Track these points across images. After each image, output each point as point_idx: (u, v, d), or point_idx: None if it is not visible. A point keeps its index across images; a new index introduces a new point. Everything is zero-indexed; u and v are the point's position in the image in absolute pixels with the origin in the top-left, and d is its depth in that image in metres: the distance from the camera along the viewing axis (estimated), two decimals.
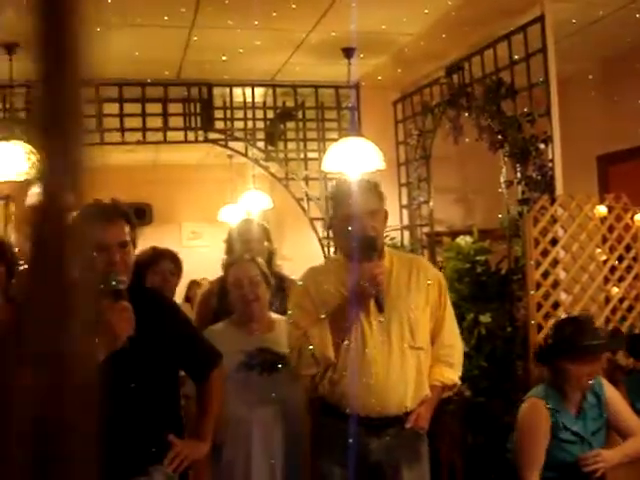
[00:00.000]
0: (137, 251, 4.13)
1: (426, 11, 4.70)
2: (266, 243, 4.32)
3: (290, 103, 6.48)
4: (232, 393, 3.20)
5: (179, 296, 7.43)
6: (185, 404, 3.02)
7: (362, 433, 3.05)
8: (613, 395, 3.53)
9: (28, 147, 5.11)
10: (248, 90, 6.31)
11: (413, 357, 3.09)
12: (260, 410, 3.33)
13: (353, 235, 3.05)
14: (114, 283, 2.58)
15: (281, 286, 4.27)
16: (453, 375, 3.24)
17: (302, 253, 7.37)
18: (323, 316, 3.06)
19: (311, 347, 3.01)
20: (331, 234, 3.47)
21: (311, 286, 3.17)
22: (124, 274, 2.65)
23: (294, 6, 4.54)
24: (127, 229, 2.74)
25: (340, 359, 3.04)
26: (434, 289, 3.19)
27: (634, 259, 4.71)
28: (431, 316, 3.17)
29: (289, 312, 3.24)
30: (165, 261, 4.15)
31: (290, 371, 3.39)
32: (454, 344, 3.26)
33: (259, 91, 6.40)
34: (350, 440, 3.04)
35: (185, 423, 2.95)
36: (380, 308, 2.99)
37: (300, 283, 3.29)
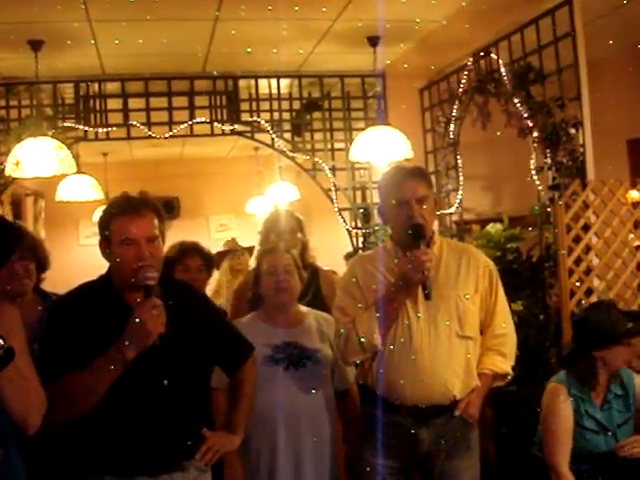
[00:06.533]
0: (166, 245, 4.17)
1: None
2: (299, 234, 4.31)
3: (316, 93, 6.46)
4: (257, 387, 3.17)
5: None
6: (211, 396, 3.00)
7: (411, 423, 3.02)
8: None
9: (56, 143, 5.14)
10: (274, 81, 6.29)
11: (461, 346, 3.05)
12: (286, 405, 3.29)
13: (401, 222, 3.03)
14: (144, 279, 2.51)
15: (315, 277, 4.26)
16: (505, 365, 3.17)
17: (329, 244, 7.35)
18: (362, 305, 3.05)
19: (358, 334, 3.00)
20: (380, 221, 3.43)
21: (359, 273, 3.15)
22: (154, 269, 2.56)
23: None
24: (156, 222, 2.64)
25: (386, 347, 3.02)
26: (484, 278, 3.14)
27: None
28: (482, 305, 3.12)
29: (337, 298, 3.22)
30: (193, 257, 4.12)
31: (316, 367, 3.38)
32: (506, 333, 3.19)
33: (285, 82, 6.38)
34: (399, 430, 3.02)
35: (212, 415, 2.93)
36: (427, 296, 2.94)
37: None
